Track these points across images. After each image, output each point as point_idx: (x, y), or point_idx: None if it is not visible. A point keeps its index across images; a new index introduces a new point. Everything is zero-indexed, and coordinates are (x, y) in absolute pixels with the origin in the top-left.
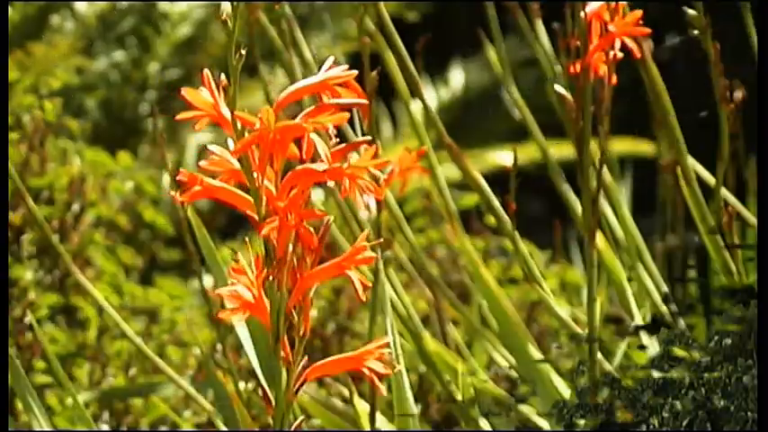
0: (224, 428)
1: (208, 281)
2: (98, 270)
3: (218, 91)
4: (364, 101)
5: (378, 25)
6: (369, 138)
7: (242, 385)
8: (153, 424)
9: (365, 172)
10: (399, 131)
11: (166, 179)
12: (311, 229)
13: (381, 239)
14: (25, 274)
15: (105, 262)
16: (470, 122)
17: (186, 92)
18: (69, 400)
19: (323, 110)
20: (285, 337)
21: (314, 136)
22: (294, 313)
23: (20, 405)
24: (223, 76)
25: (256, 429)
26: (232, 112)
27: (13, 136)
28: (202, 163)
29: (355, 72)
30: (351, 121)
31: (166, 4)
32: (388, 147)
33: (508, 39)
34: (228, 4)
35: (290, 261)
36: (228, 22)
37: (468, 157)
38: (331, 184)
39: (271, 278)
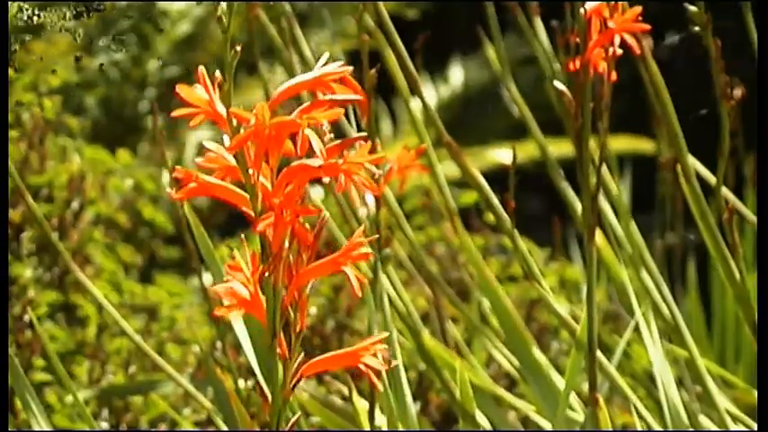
0: (223, 426)
1: (207, 279)
2: (97, 268)
3: (214, 88)
4: (359, 97)
5: (377, 23)
6: (365, 134)
7: (241, 383)
8: (152, 422)
9: (361, 168)
10: (399, 129)
11: (166, 177)
12: (307, 226)
13: (380, 236)
14: (25, 271)
15: (105, 260)
16: (470, 120)
17: (181, 89)
18: (69, 398)
19: (318, 106)
20: (281, 334)
21: (309, 132)
22: (290, 310)
23: (19, 403)
24: (218, 73)
25: (256, 429)
26: (227, 109)
27: (12, 134)
28: (198, 160)
29: (350, 68)
30: (350, 119)
31: (166, 3)
32: (387, 144)
33: (507, 37)
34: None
35: (285, 258)
36: (224, 18)
37: (467, 155)
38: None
39: (267, 275)
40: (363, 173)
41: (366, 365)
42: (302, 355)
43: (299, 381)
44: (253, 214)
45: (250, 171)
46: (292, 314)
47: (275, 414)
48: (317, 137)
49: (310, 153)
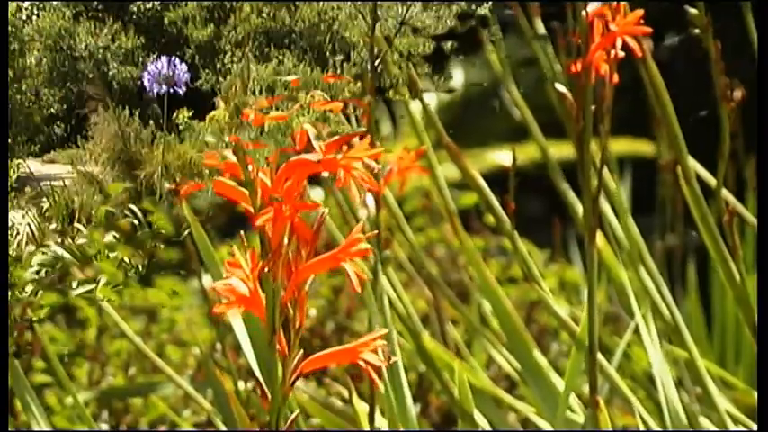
0: (223, 428)
1: (207, 280)
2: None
3: None
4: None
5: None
6: (363, 130)
7: (241, 385)
8: (152, 423)
9: (360, 162)
10: (399, 131)
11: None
12: (306, 221)
13: (380, 238)
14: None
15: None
16: (470, 122)
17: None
18: (69, 400)
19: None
20: (281, 330)
21: (307, 126)
22: (290, 306)
23: (19, 404)
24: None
25: (255, 430)
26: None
27: None
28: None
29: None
30: (350, 120)
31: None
32: (387, 146)
33: (508, 38)
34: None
35: (285, 253)
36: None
37: (467, 157)
38: (332, 184)
39: (266, 270)
40: (362, 168)
41: (366, 362)
42: (300, 351)
43: (298, 377)
44: (252, 210)
45: (249, 167)
46: (291, 311)
47: (275, 411)
48: (316, 131)
49: (309, 148)
